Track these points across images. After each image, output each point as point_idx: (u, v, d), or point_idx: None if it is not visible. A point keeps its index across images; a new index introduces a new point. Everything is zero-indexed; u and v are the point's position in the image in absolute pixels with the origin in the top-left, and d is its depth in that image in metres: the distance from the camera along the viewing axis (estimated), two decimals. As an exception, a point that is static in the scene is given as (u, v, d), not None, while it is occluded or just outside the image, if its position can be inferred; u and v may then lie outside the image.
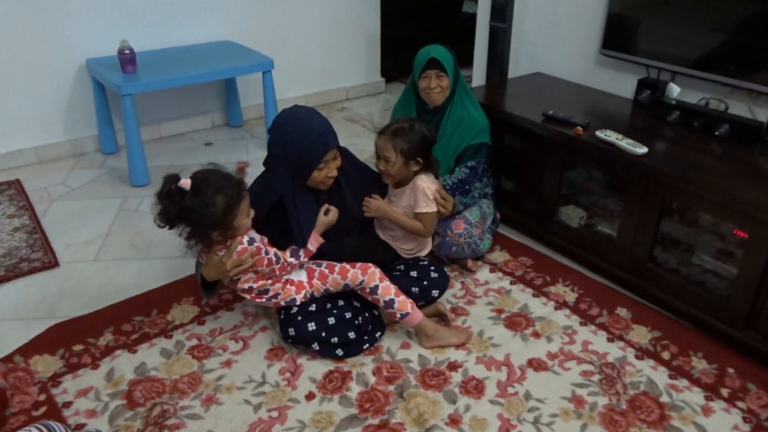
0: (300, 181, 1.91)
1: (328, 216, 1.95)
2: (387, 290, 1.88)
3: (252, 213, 1.77)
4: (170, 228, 1.70)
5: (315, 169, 1.87)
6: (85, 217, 2.71)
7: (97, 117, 3.23)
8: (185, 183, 1.65)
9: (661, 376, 1.85)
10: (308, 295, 1.91)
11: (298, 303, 1.89)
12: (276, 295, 1.88)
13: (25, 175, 3.07)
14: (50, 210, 2.77)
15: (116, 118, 3.28)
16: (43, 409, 1.70)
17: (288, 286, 1.89)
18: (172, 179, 1.66)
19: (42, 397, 1.74)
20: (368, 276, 1.88)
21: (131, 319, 2.06)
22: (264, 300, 1.88)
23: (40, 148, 3.20)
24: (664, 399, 1.77)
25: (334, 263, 1.93)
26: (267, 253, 1.80)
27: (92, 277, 2.30)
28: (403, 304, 1.89)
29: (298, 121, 1.88)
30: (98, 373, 1.84)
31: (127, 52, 2.88)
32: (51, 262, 2.37)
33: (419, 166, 2.03)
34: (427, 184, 2.05)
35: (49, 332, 1.99)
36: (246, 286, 1.84)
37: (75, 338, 1.97)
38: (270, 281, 1.86)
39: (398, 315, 1.90)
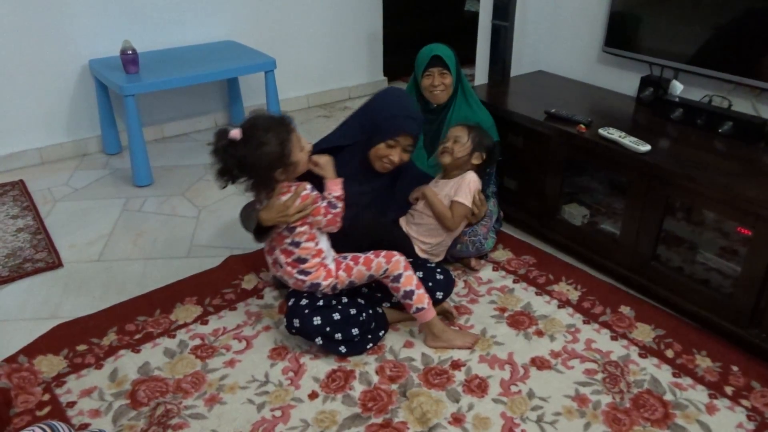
0: (361, 148, 1.98)
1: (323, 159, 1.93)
2: (409, 280, 1.89)
3: (307, 146, 1.81)
4: (233, 182, 1.74)
5: (383, 142, 1.94)
6: (89, 218, 2.72)
7: (100, 117, 3.24)
8: (235, 133, 1.68)
9: (664, 375, 1.85)
10: (332, 286, 1.91)
11: (321, 288, 1.90)
12: (307, 272, 1.87)
13: (29, 175, 3.08)
14: (54, 210, 2.78)
15: (119, 119, 3.28)
16: (47, 409, 1.71)
17: (321, 269, 1.89)
18: (223, 134, 1.70)
19: (46, 397, 1.75)
20: (392, 264, 1.89)
21: (135, 319, 2.07)
22: (294, 272, 1.87)
23: (43, 148, 3.21)
24: (668, 397, 1.77)
25: (359, 255, 1.93)
26: (323, 201, 1.85)
27: (96, 277, 2.31)
28: (422, 297, 1.90)
29: (396, 95, 2.03)
30: (102, 373, 1.84)
31: (130, 52, 2.89)
32: (55, 263, 2.37)
33: (479, 162, 2.17)
34: (474, 180, 2.13)
35: (53, 332, 1.99)
36: (298, 239, 1.85)
37: (79, 338, 1.97)
38: (315, 245, 1.87)
39: (414, 308, 1.90)
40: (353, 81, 4.26)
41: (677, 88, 2.42)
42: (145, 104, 3.35)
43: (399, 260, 1.90)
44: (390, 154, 1.97)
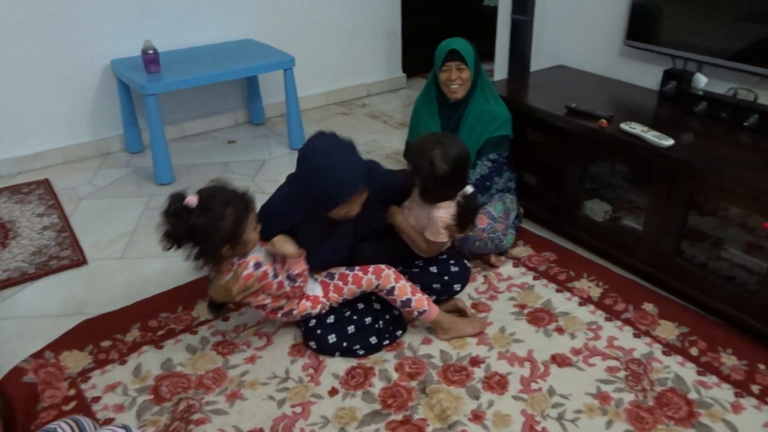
0: (322, 214, 1.82)
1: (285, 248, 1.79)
2: (403, 290, 1.87)
3: (259, 227, 1.73)
4: (177, 248, 1.65)
5: (334, 209, 1.77)
6: (112, 216, 2.76)
7: (122, 117, 3.28)
8: (192, 200, 1.60)
9: (689, 373, 1.82)
10: (326, 308, 1.91)
11: (314, 316, 1.89)
12: (290, 312, 1.87)
13: (54, 174, 3.13)
14: (78, 209, 2.82)
15: (141, 118, 3.32)
16: (72, 404, 1.74)
17: (303, 301, 1.87)
18: (178, 198, 1.62)
19: (72, 392, 1.78)
20: (383, 279, 1.86)
21: (157, 315, 2.09)
22: (279, 316, 1.88)
23: (67, 148, 3.26)
24: (693, 396, 1.74)
25: (347, 272, 1.89)
26: (276, 276, 1.76)
27: (119, 275, 2.34)
28: (420, 302, 1.88)
29: (327, 157, 1.72)
30: (126, 369, 1.87)
31: (151, 52, 2.92)
32: (79, 260, 2.41)
33: (419, 187, 1.92)
34: (441, 217, 1.92)
35: (78, 328, 2.03)
36: (260, 304, 1.82)
37: (103, 334, 2.00)
38: (285, 300, 1.84)
39: (415, 313, 1.90)
40: (372, 78, 4.26)
41: (701, 81, 2.37)
42: (166, 103, 3.39)
43: (389, 274, 1.87)
44: (347, 212, 1.79)
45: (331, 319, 1.90)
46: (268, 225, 1.78)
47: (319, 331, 1.88)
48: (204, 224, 1.60)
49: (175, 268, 2.37)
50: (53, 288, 2.27)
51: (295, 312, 1.87)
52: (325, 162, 1.71)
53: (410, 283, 1.90)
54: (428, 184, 1.88)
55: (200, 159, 3.32)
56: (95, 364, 1.89)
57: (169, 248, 1.64)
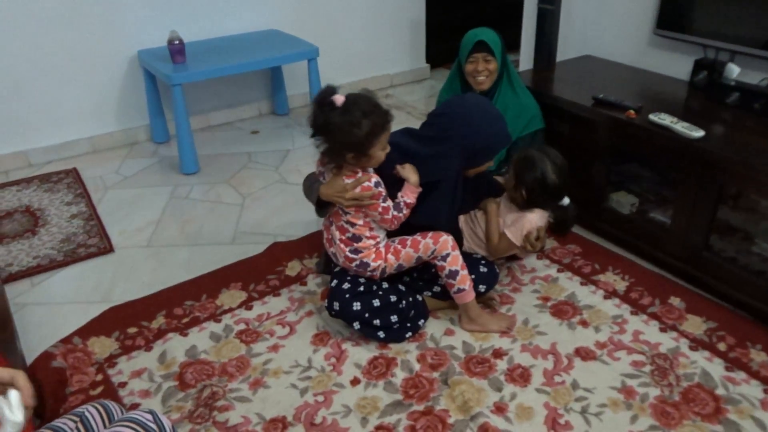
0: (466, 168, 1.93)
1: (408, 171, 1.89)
2: (456, 260, 1.89)
3: (388, 148, 1.78)
4: (314, 135, 1.74)
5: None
6: (138, 205, 2.80)
7: (149, 107, 3.32)
8: (338, 98, 1.68)
9: (716, 368, 1.79)
10: (380, 269, 1.91)
11: (369, 269, 1.89)
12: (359, 251, 1.88)
13: (82, 163, 3.18)
14: (105, 197, 2.86)
15: (167, 108, 3.36)
16: (100, 389, 1.77)
17: (372, 249, 1.89)
18: (330, 91, 1.70)
19: (99, 377, 1.81)
20: (440, 244, 1.88)
21: (182, 303, 2.12)
22: (346, 249, 1.88)
23: (95, 137, 3.31)
24: (720, 392, 1.71)
25: (407, 237, 1.92)
26: (384, 201, 1.82)
27: (145, 263, 2.38)
28: (465, 278, 1.90)
29: (490, 113, 1.91)
30: (151, 355, 1.90)
31: (177, 42, 2.94)
32: (106, 248, 2.45)
33: (522, 198, 1.98)
34: (530, 221, 1.99)
35: (105, 315, 2.06)
36: (352, 221, 1.85)
37: (129, 321, 2.03)
38: (370, 232, 1.87)
39: (456, 288, 1.90)
40: (396, 68, 4.24)
41: (733, 71, 2.31)
42: (191, 93, 3.42)
43: (447, 240, 1.89)
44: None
45: (361, 288, 1.90)
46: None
47: (347, 295, 1.87)
48: (339, 124, 1.67)
49: (199, 257, 2.40)
50: (81, 275, 2.31)
51: (361, 254, 1.88)
52: (490, 116, 1.89)
53: (462, 259, 1.91)
54: (534, 195, 1.97)
55: (225, 149, 3.34)
56: (122, 350, 1.92)
57: (312, 135, 1.75)
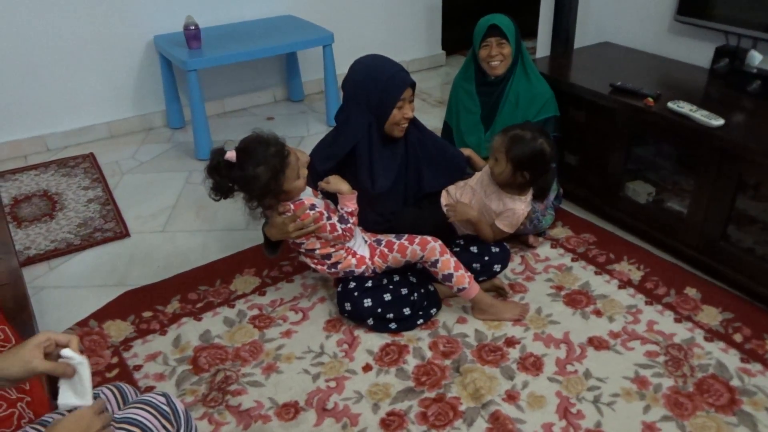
0: (377, 127, 1.90)
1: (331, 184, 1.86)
2: (446, 264, 1.87)
3: (304, 173, 1.77)
4: (226, 198, 1.73)
5: (394, 107, 1.86)
6: (154, 190, 2.82)
7: (165, 92, 3.33)
8: (231, 156, 1.67)
9: (732, 359, 1.77)
10: (369, 271, 1.92)
11: (356, 274, 1.91)
12: (336, 264, 1.89)
13: (98, 148, 3.21)
14: (121, 182, 2.89)
15: (182, 94, 3.37)
16: (115, 371, 1.80)
17: (350, 257, 1.89)
18: (218, 153, 1.69)
19: (114, 360, 1.84)
20: (428, 251, 1.87)
21: (197, 288, 2.14)
22: (324, 268, 1.90)
23: (111, 123, 3.34)
24: (735, 383, 1.69)
25: (394, 240, 1.92)
26: (329, 219, 1.81)
27: (160, 248, 2.40)
28: (461, 278, 1.88)
29: (374, 62, 1.91)
30: (166, 339, 1.92)
31: (192, 28, 2.94)
32: (122, 233, 2.48)
33: (525, 180, 1.95)
34: (522, 214, 1.99)
35: (120, 299, 2.09)
36: (310, 248, 1.86)
37: (144, 305, 2.06)
38: (333, 248, 1.87)
39: (455, 289, 1.89)
40: (411, 55, 4.21)
41: (756, 58, 2.27)
42: (206, 79, 3.42)
43: (434, 246, 1.87)
44: (404, 113, 1.88)
45: (369, 284, 1.91)
46: (318, 166, 1.90)
47: (356, 294, 1.88)
48: (240, 181, 1.68)
49: (214, 242, 2.41)
50: (97, 259, 2.34)
51: (340, 266, 1.89)
52: (373, 65, 1.89)
53: (454, 258, 1.89)
54: (537, 172, 1.94)
55: (239, 135, 3.27)
56: (137, 334, 1.94)
57: (218, 199, 1.73)
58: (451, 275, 1.87)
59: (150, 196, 2.76)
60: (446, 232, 2.06)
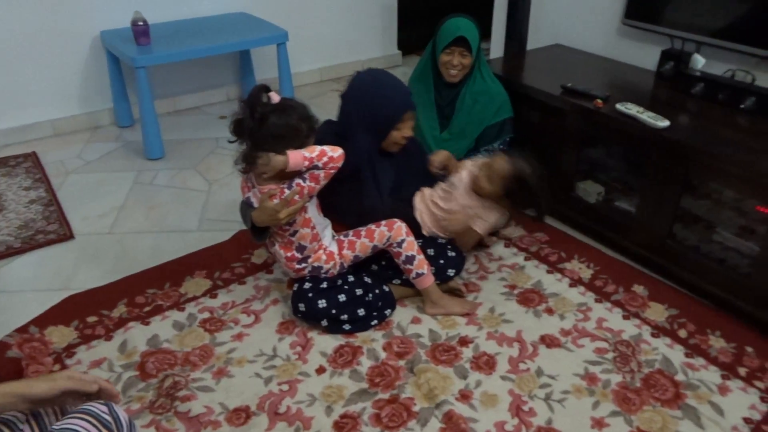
0: (376, 144, 1.93)
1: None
2: (411, 245, 1.90)
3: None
4: (242, 140, 1.73)
5: (393, 129, 1.90)
6: (101, 190, 2.73)
7: (112, 90, 3.23)
8: (274, 96, 1.67)
9: (677, 355, 1.82)
10: (337, 266, 1.90)
11: (323, 272, 1.89)
12: (307, 258, 1.86)
13: (42, 147, 3.09)
14: (66, 182, 2.78)
15: (131, 91, 3.27)
16: (57, 379, 1.72)
17: (320, 251, 1.88)
18: (263, 88, 1.69)
19: (56, 368, 1.77)
20: (395, 231, 1.89)
21: (145, 291, 2.07)
22: (295, 263, 1.87)
23: (56, 120, 3.21)
24: (680, 377, 1.74)
25: (360, 228, 1.92)
26: (304, 181, 1.74)
27: (107, 250, 2.32)
28: (422, 263, 1.91)
29: (380, 81, 1.93)
30: (111, 345, 1.85)
31: (141, 23, 2.86)
32: (66, 235, 2.38)
33: (507, 206, 2.07)
34: (499, 219, 2.08)
35: (63, 303, 2.01)
36: (294, 229, 1.82)
37: (89, 310, 1.98)
38: (309, 240, 1.84)
39: (414, 273, 1.90)
40: (367, 54, 4.20)
41: (699, 62, 2.34)
42: (157, 77, 3.34)
43: (401, 226, 1.90)
44: (404, 133, 1.94)
45: (324, 285, 1.89)
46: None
47: (311, 294, 1.86)
48: (276, 124, 1.66)
49: (164, 244, 2.35)
50: (40, 262, 2.24)
51: (310, 260, 1.87)
52: (376, 84, 1.91)
53: (418, 244, 1.92)
54: (524, 204, 2.09)
55: (192, 134, 3.28)
56: (81, 340, 1.87)
57: (233, 141, 1.74)
58: (413, 257, 1.89)
59: (97, 197, 2.67)
60: (416, 229, 2.05)
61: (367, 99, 1.89)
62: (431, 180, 2.13)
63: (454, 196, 2.03)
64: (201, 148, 3.12)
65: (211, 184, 2.78)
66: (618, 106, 2.14)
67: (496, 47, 3.22)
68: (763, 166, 1.79)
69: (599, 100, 2.22)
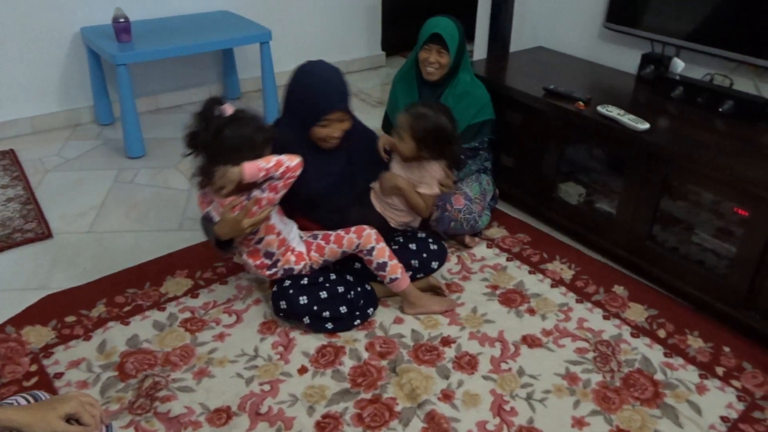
0: (301, 134, 1.88)
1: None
2: (381, 252, 1.89)
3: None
4: (197, 152, 1.70)
5: (317, 124, 1.85)
6: (80, 189, 2.69)
7: (93, 87, 3.19)
8: (227, 108, 1.64)
9: (656, 354, 1.84)
10: (307, 267, 1.90)
11: (295, 272, 1.88)
12: (277, 262, 1.86)
13: (20, 145, 3.04)
14: (44, 181, 2.74)
15: (112, 89, 3.23)
16: (34, 380, 1.70)
17: (289, 253, 1.87)
18: (215, 101, 1.67)
19: (33, 368, 1.74)
20: (364, 238, 1.88)
21: (124, 291, 2.05)
22: (265, 269, 1.86)
23: (35, 118, 3.16)
24: (659, 377, 1.76)
25: (329, 233, 1.91)
26: (263, 192, 1.73)
27: (86, 249, 2.29)
28: (394, 268, 1.90)
29: (317, 74, 1.87)
30: (90, 345, 1.83)
31: (122, 20, 2.83)
32: (44, 233, 2.35)
33: (429, 155, 1.99)
34: (435, 168, 2.02)
35: (41, 303, 1.98)
36: (258, 237, 1.82)
37: (68, 309, 1.95)
38: (276, 246, 1.84)
39: (387, 279, 1.90)
40: (351, 55, 4.20)
41: (678, 65, 2.37)
42: (139, 75, 3.30)
43: (370, 234, 1.89)
44: (328, 132, 1.87)
45: (304, 281, 1.88)
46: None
47: (291, 291, 1.85)
48: (231, 137, 1.65)
49: (144, 243, 2.33)
50: (17, 261, 2.21)
51: (279, 263, 1.86)
52: (310, 78, 1.86)
53: (389, 249, 1.91)
54: (439, 147, 1.98)
55: (173, 133, 3.24)
56: (59, 340, 1.84)
57: (188, 154, 1.71)
58: (385, 263, 1.88)
59: (76, 195, 2.64)
60: (388, 233, 2.06)
61: (299, 87, 1.87)
62: (372, 170, 2.11)
63: (394, 173, 2.04)
64: (182, 147, 3.07)
65: (193, 183, 2.75)
66: (599, 108, 2.17)
67: (480, 49, 3.24)
68: (740, 168, 1.82)
69: (581, 103, 2.24)
